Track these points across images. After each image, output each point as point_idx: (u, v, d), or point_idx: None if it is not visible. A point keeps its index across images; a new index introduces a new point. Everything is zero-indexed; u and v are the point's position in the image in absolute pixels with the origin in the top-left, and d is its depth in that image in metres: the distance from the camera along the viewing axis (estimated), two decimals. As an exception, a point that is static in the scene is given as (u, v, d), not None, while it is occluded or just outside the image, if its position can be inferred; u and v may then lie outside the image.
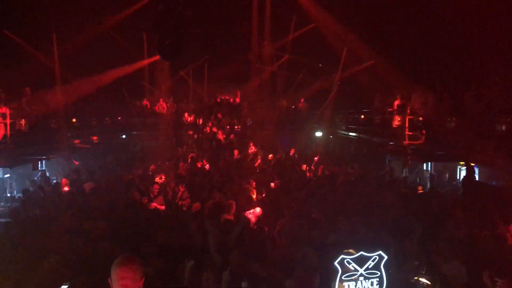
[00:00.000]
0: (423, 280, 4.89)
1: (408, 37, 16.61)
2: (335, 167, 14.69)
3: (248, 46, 22.26)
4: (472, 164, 11.13)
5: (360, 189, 10.55)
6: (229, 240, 6.92)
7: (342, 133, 21.79)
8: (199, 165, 14.98)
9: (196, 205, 9.59)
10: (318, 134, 22.33)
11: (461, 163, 13.20)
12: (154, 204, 9.81)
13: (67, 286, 5.30)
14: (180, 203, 10.20)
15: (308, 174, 13.86)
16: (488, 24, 11.27)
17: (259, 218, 8.75)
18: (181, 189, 10.85)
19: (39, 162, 14.67)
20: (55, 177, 14.76)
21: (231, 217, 8.32)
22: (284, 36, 22.07)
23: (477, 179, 11.53)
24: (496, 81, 10.91)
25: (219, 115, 22.52)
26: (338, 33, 19.77)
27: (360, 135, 19.06)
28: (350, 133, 20.48)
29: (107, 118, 20.22)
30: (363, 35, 19.14)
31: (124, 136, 21.64)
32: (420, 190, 12.15)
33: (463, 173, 12.58)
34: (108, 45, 19.13)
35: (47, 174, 14.91)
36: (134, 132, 21.78)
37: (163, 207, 9.78)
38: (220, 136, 19.72)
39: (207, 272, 5.86)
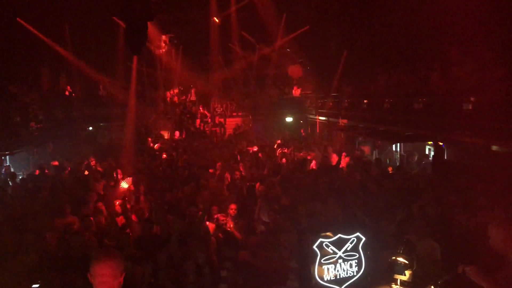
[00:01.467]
0: (400, 259, 4.94)
1: (373, 18, 16.72)
2: (306, 151, 14.74)
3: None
4: (440, 143, 11.35)
5: (333, 172, 10.62)
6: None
7: (312, 118, 21.91)
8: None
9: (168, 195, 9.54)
10: (288, 119, 22.42)
11: (430, 143, 13.46)
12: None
13: (37, 286, 5.14)
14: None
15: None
16: (454, 4, 11.41)
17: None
18: None
19: (3, 157, 14.18)
20: (20, 173, 14.28)
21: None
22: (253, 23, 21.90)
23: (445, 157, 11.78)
24: (462, 60, 11.10)
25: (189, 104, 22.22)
26: (304, 18, 19.81)
27: (330, 118, 19.20)
28: (320, 117, 20.60)
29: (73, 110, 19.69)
30: (327, 18, 19.20)
31: (91, 128, 21.12)
32: (390, 171, 12.32)
33: (432, 152, 12.85)
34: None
35: (12, 169, 14.40)
36: (102, 124, 21.28)
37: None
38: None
39: (186, 263, 5.78)
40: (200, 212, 7.48)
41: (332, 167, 11.43)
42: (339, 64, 19.65)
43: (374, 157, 15.06)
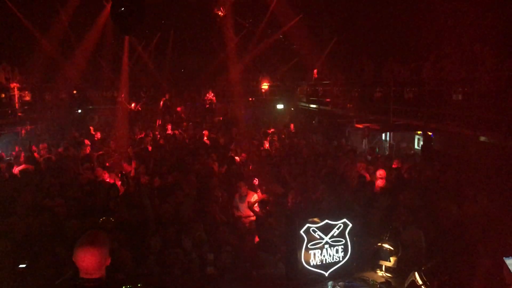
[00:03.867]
0: (386, 246, 5.01)
1: (366, 8, 16.69)
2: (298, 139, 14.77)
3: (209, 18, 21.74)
4: (429, 133, 11.43)
5: (323, 160, 10.66)
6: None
7: (303, 105, 21.89)
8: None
9: (156, 180, 9.51)
10: (280, 106, 22.41)
11: (419, 132, 13.54)
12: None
13: (24, 266, 5.14)
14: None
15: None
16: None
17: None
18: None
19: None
20: (8, 154, 14.13)
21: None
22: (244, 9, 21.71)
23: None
24: (453, 51, 11.14)
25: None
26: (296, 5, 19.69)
27: (321, 106, 19.21)
28: (311, 105, 20.60)
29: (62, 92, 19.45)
30: (321, 7, 19.14)
31: (80, 111, 20.95)
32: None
33: (421, 142, 12.94)
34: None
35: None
36: (91, 107, 21.12)
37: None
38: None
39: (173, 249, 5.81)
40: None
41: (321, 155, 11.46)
42: (331, 53, 19.65)
43: (363, 146, 15.13)
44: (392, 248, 4.99)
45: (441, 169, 9.23)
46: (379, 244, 5.08)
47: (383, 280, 4.87)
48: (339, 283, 4.74)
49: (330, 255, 4.91)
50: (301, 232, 4.77)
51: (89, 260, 2.69)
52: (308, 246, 4.79)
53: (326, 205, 7.07)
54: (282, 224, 6.31)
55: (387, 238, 5.05)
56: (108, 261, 2.81)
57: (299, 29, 20.79)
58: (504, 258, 3.48)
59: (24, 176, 9.46)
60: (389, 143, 15.39)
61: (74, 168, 10.36)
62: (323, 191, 7.47)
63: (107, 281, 2.82)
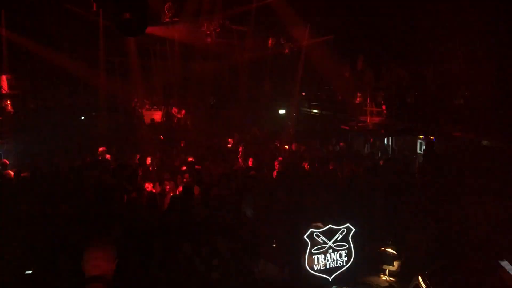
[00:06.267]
0: (389, 250, 5.03)
1: (368, 12, 16.72)
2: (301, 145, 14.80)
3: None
4: (431, 137, 11.44)
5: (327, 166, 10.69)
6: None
7: (305, 110, 21.92)
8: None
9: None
10: (282, 111, 22.41)
11: (421, 136, 13.56)
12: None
13: (30, 272, 5.18)
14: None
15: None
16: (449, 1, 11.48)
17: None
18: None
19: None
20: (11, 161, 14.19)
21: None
22: (242, 11, 21.68)
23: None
24: (455, 56, 11.17)
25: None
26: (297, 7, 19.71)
27: (323, 111, 19.25)
28: (313, 110, 20.63)
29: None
30: (321, 10, 19.13)
31: (83, 118, 21.00)
32: (381, 164, 12.40)
33: (423, 146, 12.95)
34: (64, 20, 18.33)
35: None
36: (94, 113, 21.16)
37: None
38: None
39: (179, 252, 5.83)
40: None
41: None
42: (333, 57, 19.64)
43: (366, 151, 15.16)
44: (395, 253, 5.02)
45: (444, 173, 9.24)
46: (382, 248, 5.11)
47: (386, 284, 4.90)
48: (343, 288, 4.77)
49: (333, 260, 4.94)
50: (305, 237, 4.80)
51: (101, 256, 2.86)
52: (312, 250, 4.83)
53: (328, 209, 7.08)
54: (282, 230, 6.33)
55: (390, 243, 5.07)
56: (116, 261, 2.93)
57: (299, 32, 20.83)
58: (499, 261, 3.51)
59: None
60: (391, 148, 15.41)
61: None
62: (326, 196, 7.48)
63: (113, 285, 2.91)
